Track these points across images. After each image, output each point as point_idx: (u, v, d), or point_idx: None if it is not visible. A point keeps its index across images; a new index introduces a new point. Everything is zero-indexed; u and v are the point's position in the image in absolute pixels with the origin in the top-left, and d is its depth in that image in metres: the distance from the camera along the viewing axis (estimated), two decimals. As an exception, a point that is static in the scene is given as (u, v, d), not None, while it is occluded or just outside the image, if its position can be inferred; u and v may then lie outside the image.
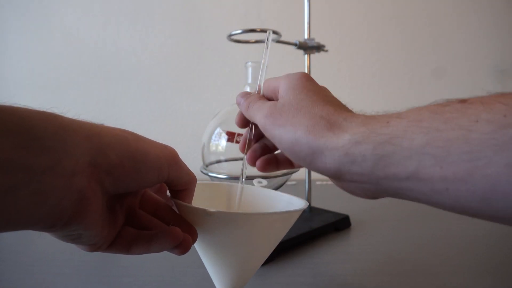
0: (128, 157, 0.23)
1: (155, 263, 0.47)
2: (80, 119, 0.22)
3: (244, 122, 0.34)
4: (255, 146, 0.34)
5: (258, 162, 0.33)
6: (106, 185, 0.23)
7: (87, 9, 1.10)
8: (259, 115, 0.29)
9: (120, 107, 1.12)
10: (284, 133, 0.27)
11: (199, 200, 0.31)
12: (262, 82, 0.34)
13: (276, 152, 0.35)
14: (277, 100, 0.31)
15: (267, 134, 0.29)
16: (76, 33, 1.11)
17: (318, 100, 0.28)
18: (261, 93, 0.33)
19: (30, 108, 0.20)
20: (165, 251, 0.27)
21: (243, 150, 0.34)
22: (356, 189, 0.26)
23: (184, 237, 0.27)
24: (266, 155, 0.34)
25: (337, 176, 0.26)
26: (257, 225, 0.28)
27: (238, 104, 0.33)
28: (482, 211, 0.20)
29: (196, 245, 0.31)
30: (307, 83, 0.30)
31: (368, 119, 0.25)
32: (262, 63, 0.36)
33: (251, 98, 0.32)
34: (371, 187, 0.25)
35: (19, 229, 0.19)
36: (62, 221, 0.20)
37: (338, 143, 0.24)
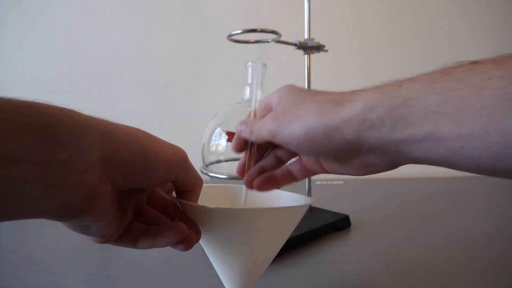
0: (139, 155, 0.24)
1: (155, 263, 0.47)
2: (96, 117, 0.23)
3: (241, 146, 0.33)
4: (251, 170, 0.33)
5: (255, 182, 0.33)
6: (116, 181, 0.23)
7: (87, 9, 1.11)
8: (264, 128, 0.29)
9: (120, 107, 1.12)
10: (294, 128, 0.26)
11: (204, 202, 0.31)
12: (257, 104, 0.34)
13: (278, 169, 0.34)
14: None
15: (277, 139, 0.28)
16: (76, 33, 1.11)
17: (317, 93, 0.28)
18: (257, 115, 0.33)
19: (50, 104, 0.21)
20: (169, 250, 0.27)
21: (242, 174, 0.33)
22: (375, 160, 0.26)
23: (189, 233, 0.27)
24: (264, 174, 0.33)
25: (357, 147, 0.25)
26: (258, 221, 0.28)
27: (240, 132, 0.32)
28: (497, 168, 0.20)
29: (203, 244, 0.31)
30: (297, 87, 0.30)
31: (378, 87, 0.25)
32: (255, 85, 0.35)
33: (251, 122, 0.31)
34: (391, 155, 0.25)
35: (32, 218, 0.20)
36: (72, 212, 0.21)
37: (353, 113, 0.24)
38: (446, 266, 0.46)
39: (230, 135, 0.54)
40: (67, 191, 0.20)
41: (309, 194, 0.64)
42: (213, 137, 0.56)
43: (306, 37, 0.63)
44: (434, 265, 0.47)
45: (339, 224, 0.59)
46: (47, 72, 1.12)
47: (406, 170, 0.92)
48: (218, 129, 0.56)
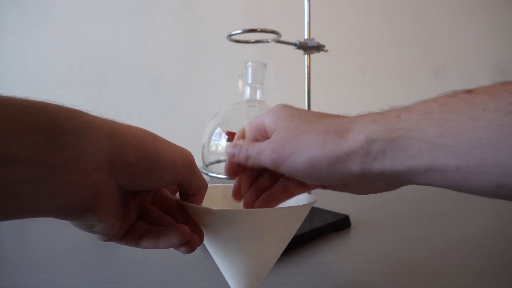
0: (145, 157, 0.24)
1: (156, 263, 0.47)
2: (104, 117, 0.24)
3: (235, 170, 0.32)
4: (248, 194, 0.32)
5: (256, 206, 0.32)
6: (121, 182, 0.23)
7: (86, 9, 1.11)
8: (263, 156, 0.28)
9: (120, 107, 1.12)
10: (297, 159, 0.26)
11: (206, 202, 0.31)
12: (246, 124, 0.32)
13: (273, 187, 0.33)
14: (263, 138, 0.30)
15: (281, 170, 0.28)
16: (76, 32, 1.11)
17: (314, 119, 0.28)
18: (246, 136, 0.32)
19: (58, 104, 0.21)
20: (169, 249, 0.28)
21: (238, 198, 0.32)
22: (380, 185, 0.27)
23: (192, 236, 0.27)
24: (262, 196, 0.32)
25: (362, 178, 0.25)
26: (261, 222, 0.28)
27: (233, 156, 0.31)
28: (499, 195, 0.21)
29: (207, 245, 0.31)
30: (292, 110, 0.29)
31: (375, 116, 0.25)
32: (243, 107, 0.34)
33: (244, 146, 0.30)
34: (395, 181, 0.25)
35: (37, 217, 0.21)
36: (76, 212, 0.22)
37: (356, 146, 0.25)
38: (446, 266, 0.46)
39: (230, 135, 0.54)
40: (72, 191, 0.20)
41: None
42: (213, 137, 0.56)
43: (306, 37, 0.63)
44: (434, 265, 0.47)
45: (339, 224, 0.59)
46: (46, 72, 1.12)
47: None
48: (218, 129, 0.56)
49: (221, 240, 0.29)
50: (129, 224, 0.27)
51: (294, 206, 0.30)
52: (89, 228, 0.24)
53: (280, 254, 0.32)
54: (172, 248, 0.28)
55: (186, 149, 0.28)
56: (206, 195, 0.32)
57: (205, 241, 0.30)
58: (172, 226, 0.27)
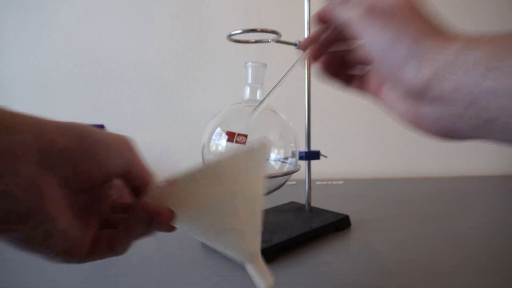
0: (83, 138, 0.22)
1: (155, 263, 0.47)
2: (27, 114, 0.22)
3: (321, 19, 0.30)
4: (320, 45, 0.30)
5: (322, 58, 0.30)
6: (63, 173, 0.21)
7: (87, 9, 1.11)
8: (356, 9, 0.26)
9: (120, 107, 1.12)
10: (381, 30, 0.24)
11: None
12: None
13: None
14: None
15: (359, 30, 0.25)
16: (76, 33, 1.11)
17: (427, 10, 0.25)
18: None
19: None
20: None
21: (304, 47, 0.31)
22: (434, 114, 0.23)
23: (161, 209, 0.25)
24: (332, 55, 0.30)
25: (421, 92, 0.23)
26: (215, 176, 0.25)
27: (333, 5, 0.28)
28: None
29: (188, 231, 0.29)
30: None
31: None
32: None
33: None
34: (455, 111, 0.22)
35: None
36: (17, 214, 0.20)
37: (450, 47, 0.22)
38: (446, 266, 0.46)
39: (230, 135, 0.54)
40: (2, 184, 0.19)
41: (309, 194, 0.64)
42: (213, 137, 0.56)
43: (306, 37, 0.63)
44: (434, 265, 0.47)
45: (339, 224, 0.59)
46: (47, 72, 1.12)
47: (406, 170, 0.91)
48: (218, 129, 0.56)
49: (193, 212, 0.27)
50: (90, 237, 0.24)
51: (246, 148, 0.27)
52: (46, 240, 0.21)
53: (259, 212, 0.29)
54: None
55: (123, 134, 0.25)
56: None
57: (184, 225, 0.27)
58: (136, 208, 0.25)
